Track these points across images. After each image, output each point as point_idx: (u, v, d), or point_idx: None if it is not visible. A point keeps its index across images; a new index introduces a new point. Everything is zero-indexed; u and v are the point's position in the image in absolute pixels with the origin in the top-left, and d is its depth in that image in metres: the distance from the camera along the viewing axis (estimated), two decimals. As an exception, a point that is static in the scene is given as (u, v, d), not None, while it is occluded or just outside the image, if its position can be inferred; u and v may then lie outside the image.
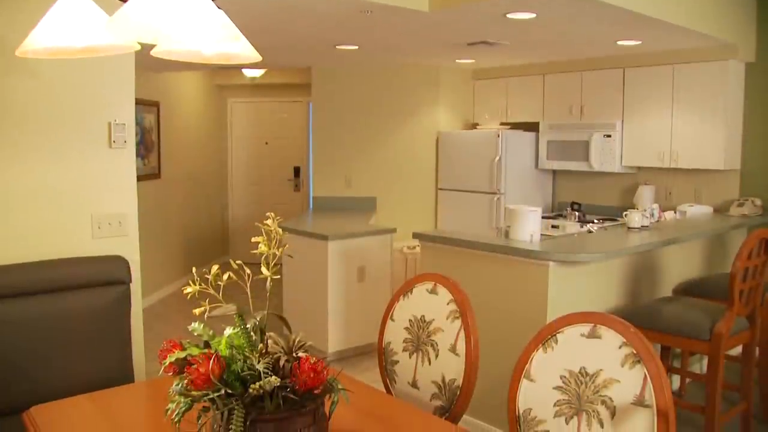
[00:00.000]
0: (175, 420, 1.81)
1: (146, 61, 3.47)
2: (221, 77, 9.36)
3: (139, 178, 3.84)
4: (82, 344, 3.09)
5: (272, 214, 1.91)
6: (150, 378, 3.24)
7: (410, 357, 2.66)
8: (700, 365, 5.08)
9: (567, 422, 2.10)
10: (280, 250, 1.91)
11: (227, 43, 1.95)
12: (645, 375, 1.95)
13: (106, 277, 3.22)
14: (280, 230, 1.91)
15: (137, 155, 6.33)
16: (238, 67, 8.48)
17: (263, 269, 1.92)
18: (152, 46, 1.96)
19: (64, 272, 3.14)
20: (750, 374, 3.89)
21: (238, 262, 1.97)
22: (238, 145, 9.68)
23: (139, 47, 2.03)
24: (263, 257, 1.93)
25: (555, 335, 2.18)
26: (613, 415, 2.01)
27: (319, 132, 7.58)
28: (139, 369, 3.42)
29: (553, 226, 6.28)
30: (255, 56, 2.02)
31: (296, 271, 5.83)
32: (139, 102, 5.61)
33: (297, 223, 6.34)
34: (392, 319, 2.75)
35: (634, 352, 1.99)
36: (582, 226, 5.95)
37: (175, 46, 1.97)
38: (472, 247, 4.01)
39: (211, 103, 9.47)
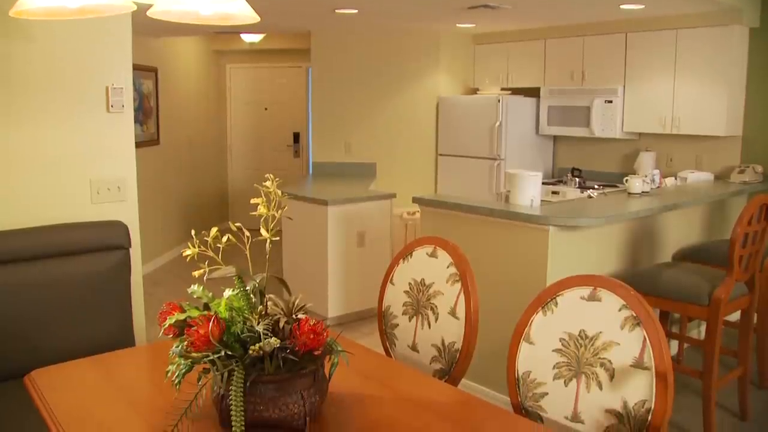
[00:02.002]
0: (176, 382, 1.82)
1: (144, 26, 3.44)
2: (220, 42, 9.28)
3: (138, 145, 3.82)
4: (83, 309, 3.10)
5: (271, 175, 1.90)
6: (151, 343, 3.25)
7: (410, 320, 2.67)
8: (698, 331, 5.11)
9: (566, 384, 2.11)
10: (280, 212, 1.91)
11: (225, 2, 1.92)
12: (644, 337, 1.96)
13: (106, 242, 3.22)
14: (279, 192, 1.90)
15: (136, 121, 6.30)
16: (237, 32, 8.40)
17: (262, 231, 1.92)
18: (148, 7, 1.93)
19: (63, 237, 3.14)
20: (748, 340, 3.91)
21: (237, 224, 1.96)
22: (237, 111, 9.63)
23: (134, 7, 2.00)
24: (262, 219, 1.92)
25: (555, 298, 2.18)
26: (612, 377, 2.01)
27: (319, 97, 7.53)
28: (139, 334, 3.44)
29: (553, 192, 6.26)
30: (253, 16, 1.99)
31: (296, 237, 5.83)
32: (137, 68, 5.58)
33: (297, 188, 6.33)
34: (392, 283, 2.75)
35: (634, 314, 1.99)
36: (582, 192, 5.94)
37: (172, 6, 1.94)
38: (472, 212, 4.00)
39: (210, 68, 9.39)
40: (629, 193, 4.66)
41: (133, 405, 2.12)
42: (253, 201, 1.92)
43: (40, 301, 2.98)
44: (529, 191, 3.95)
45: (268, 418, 1.86)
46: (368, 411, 2.08)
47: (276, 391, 1.85)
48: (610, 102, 6.29)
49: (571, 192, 6.18)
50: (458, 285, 2.53)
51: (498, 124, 6.77)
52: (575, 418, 2.06)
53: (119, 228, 3.28)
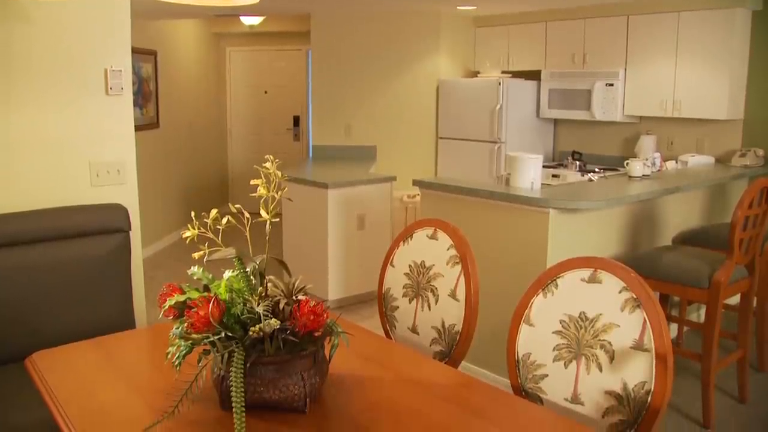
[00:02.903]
0: (176, 363, 1.82)
1: (143, 9, 3.41)
2: (219, 25, 9.23)
3: (138, 128, 3.80)
4: (83, 292, 3.10)
5: (271, 156, 1.89)
6: (151, 325, 3.25)
7: (410, 302, 2.67)
8: (697, 314, 5.11)
9: (566, 366, 2.12)
10: (280, 193, 1.90)
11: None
12: (644, 319, 1.96)
13: (106, 225, 3.22)
14: (279, 173, 1.89)
15: (135, 105, 6.27)
16: (237, 15, 8.36)
17: (262, 212, 1.91)
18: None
19: (63, 220, 3.13)
20: (747, 323, 3.91)
21: (237, 206, 1.95)
22: (236, 95, 9.59)
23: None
24: (262, 201, 1.91)
25: (555, 280, 2.18)
26: (612, 359, 2.02)
27: (319, 80, 7.50)
28: (140, 317, 3.44)
29: (553, 176, 6.25)
30: (252, -3, 1.98)
31: (296, 220, 5.83)
32: (136, 51, 5.55)
33: (297, 171, 6.32)
34: (392, 265, 2.75)
35: (634, 296, 1.99)
36: (583, 175, 5.93)
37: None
38: (473, 195, 3.99)
39: (210, 51, 9.35)
40: (630, 177, 4.65)
41: (134, 386, 2.13)
42: (253, 182, 1.91)
43: (40, 284, 2.98)
44: (530, 174, 3.95)
45: (268, 399, 1.86)
46: (368, 392, 2.08)
47: (276, 372, 1.85)
48: (611, 85, 6.26)
49: (571, 175, 6.17)
50: (458, 267, 2.53)
51: (498, 107, 6.75)
52: (575, 399, 2.07)
53: (119, 211, 3.27)
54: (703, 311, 4.54)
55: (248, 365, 1.77)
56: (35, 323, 2.94)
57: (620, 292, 2.03)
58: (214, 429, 1.85)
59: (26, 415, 2.50)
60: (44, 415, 2.01)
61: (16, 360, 2.61)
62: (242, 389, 1.70)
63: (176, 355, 1.83)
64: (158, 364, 2.18)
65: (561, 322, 2.14)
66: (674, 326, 4.68)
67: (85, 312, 3.09)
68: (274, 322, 1.78)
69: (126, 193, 3.49)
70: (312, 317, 1.79)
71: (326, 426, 1.90)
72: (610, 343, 2.03)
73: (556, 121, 7.20)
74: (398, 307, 2.71)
